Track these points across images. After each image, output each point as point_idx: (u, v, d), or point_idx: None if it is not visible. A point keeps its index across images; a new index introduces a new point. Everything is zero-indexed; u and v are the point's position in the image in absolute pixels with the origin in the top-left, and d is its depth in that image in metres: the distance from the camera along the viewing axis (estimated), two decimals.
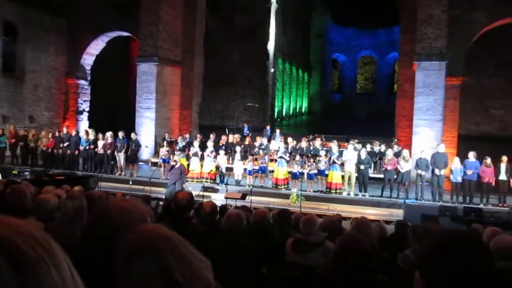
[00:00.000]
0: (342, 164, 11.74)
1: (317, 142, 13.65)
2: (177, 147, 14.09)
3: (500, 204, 10.90)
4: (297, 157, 12.76)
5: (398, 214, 10.11)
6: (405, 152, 11.68)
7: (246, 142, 14.68)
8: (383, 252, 3.48)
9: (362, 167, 11.64)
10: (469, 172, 10.92)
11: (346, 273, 2.17)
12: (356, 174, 11.93)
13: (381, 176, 12.36)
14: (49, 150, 14.41)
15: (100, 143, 13.70)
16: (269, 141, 14.42)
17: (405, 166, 11.35)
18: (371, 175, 12.54)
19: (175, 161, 10.99)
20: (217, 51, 23.41)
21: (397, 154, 12.11)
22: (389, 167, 11.49)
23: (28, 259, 0.58)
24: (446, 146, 12.64)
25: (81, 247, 1.25)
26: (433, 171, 11.27)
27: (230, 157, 13.65)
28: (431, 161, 11.35)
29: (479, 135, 18.62)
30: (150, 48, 16.93)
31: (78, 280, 0.65)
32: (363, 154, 11.82)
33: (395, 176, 11.56)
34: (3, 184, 4.81)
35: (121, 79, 21.98)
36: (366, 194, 11.62)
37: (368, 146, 13.15)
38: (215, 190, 11.68)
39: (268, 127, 17.40)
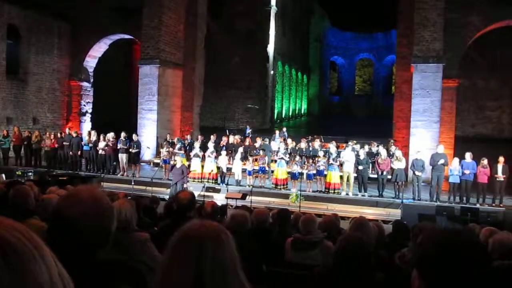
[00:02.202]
0: (340, 165, 11.87)
1: (316, 143, 13.73)
2: (176, 148, 14.31)
3: (496, 204, 10.98)
4: (297, 158, 12.83)
5: (395, 213, 10.22)
6: (398, 152, 11.86)
7: (247, 143, 14.86)
8: (381, 251, 3.56)
9: (360, 167, 11.73)
10: (467, 171, 11.03)
11: (345, 272, 2.20)
12: (356, 175, 12.06)
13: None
14: (52, 150, 14.64)
15: (102, 144, 13.90)
16: (269, 142, 14.60)
17: (398, 165, 11.50)
18: (370, 175, 12.56)
19: (175, 161, 11.10)
20: (218, 53, 23.61)
21: (393, 155, 12.25)
22: (383, 167, 11.65)
23: (18, 252, 0.58)
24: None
25: (49, 225, 1.27)
26: (433, 168, 11.38)
27: (231, 158, 13.86)
28: (431, 160, 11.51)
29: (475, 137, 18.85)
30: (152, 51, 17.11)
31: (65, 275, 0.65)
32: (362, 155, 11.92)
33: (389, 176, 11.72)
34: (7, 184, 4.75)
35: (123, 81, 22.17)
36: (365, 194, 11.74)
37: (366, 147, 13.32)
38: (217, 190, 11.80)
39: (284, 129, 16.97)
